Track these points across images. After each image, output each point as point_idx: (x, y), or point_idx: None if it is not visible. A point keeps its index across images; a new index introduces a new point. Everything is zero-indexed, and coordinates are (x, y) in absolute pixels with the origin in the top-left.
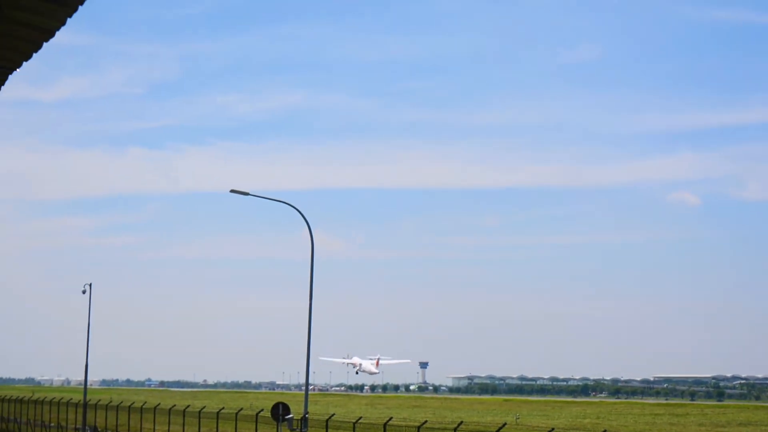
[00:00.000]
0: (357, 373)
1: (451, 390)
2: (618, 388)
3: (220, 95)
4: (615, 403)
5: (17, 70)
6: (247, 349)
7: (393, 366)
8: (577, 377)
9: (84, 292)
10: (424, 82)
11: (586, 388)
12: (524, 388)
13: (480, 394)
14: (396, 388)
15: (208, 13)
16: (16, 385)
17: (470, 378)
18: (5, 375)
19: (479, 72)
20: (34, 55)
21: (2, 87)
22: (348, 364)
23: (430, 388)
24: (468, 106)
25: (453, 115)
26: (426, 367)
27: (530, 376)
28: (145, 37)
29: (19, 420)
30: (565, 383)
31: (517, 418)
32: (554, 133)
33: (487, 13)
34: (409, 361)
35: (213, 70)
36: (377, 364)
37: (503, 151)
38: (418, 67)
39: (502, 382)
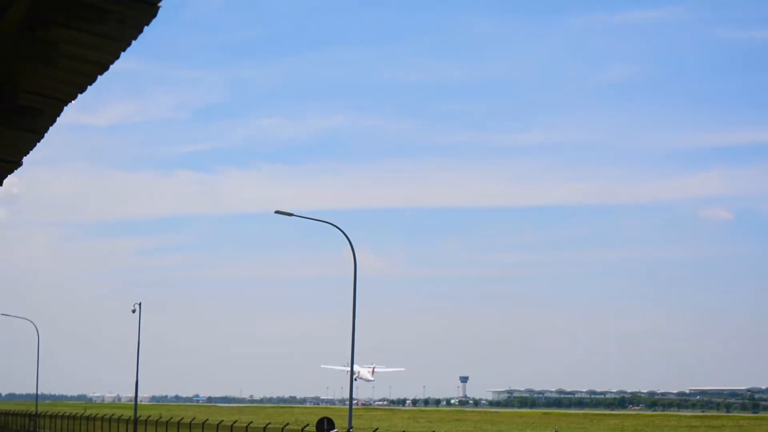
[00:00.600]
0: (356, 380)
1: (491, 403)
2: (654, 401)
3: (264, 118)
4: (652, 416)
5: (72, 102)
6: (292, 365)
7: (389, 374)
8: (615, 390)
9: (134, 311)
10: (463, 104)
11: (623, 401)
12: (563, 401)
13: (519, 407)
14: (437, 402)
15: (252, 39)
16: (69, 402)
17: (510, 392)
18: (58, 392)
19: (517, 93)
20: (89, 87)
21: (58, 118)
22: (348, 372)
23: (471, 401)
24: (506, 127)
25: (491, 136)
26: (466, 382)
27: (568, 389)
28: (191, 62)
29: None
30: (602, 396)
31: (556, 431)
32: (590, 151)
33: (523, 36)
34: (403, 369)
35: (257, 94)
36: (372, 372)
37: (540, 170)
38: (457, 89)
39: (541, 395)
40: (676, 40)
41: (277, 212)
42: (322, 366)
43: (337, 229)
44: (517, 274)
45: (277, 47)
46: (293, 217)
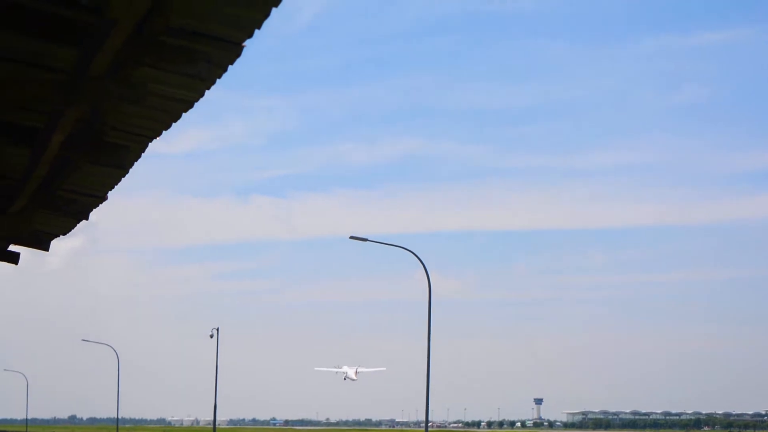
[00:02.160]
0: (345, 379)
1: (566, 425)
2: (730, 422)
3: (338, 144)
4: None
5: (157, 138)
6: (367, 388)
7: (371, 374)
8: (690, 411)
9: (211, 336)
10: (535, 128)
11: (698, 422)
12: (637, 422)
13: (594, 429)
14: (512, 424)
15: (323, 66)
16: (149, 426)
17: (584, 413)
18: (138, 416)
19: (589, 116)
20: (173, 124)
21: (143, 153)
22: (337, 372)
23: (546, 423)
24: (578, 149)
25: (563, 159)
26: (541, 403)
27: (643, 410)
28: (264, 90)
29: None
30: (677, 417)
31: None
32: (664, 172)
33: (595, 59)
34: (384, 368)
35: (330, 120)
36: (356, 373)
37: (613, 191)
38: (528, 112)
39: (615, 416)
40: (747, 61)
41: (351, 238)
42: (316, 369)
43: (410, 253)
44: (588, 296)
45: (349, 73)
46: (367, 242)
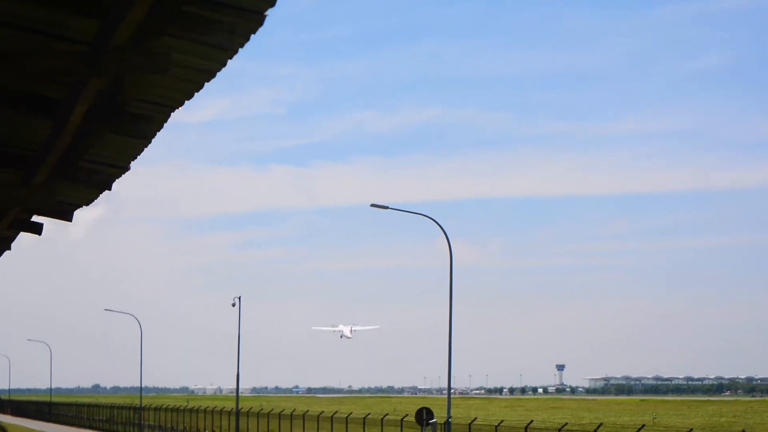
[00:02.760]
0: (341, 337)
1: (588, 391)
2: (753, 387)
3: (358, 113)
4: (750, 402)
5: (180, 108)
6: (389, 355)
7: (365, 332)
8: (712, 376)
9: (233, 305)
10: (555, 95)
11: (720, 387)
12: (659, 388)
13: (616, 394)
14: (534, 390)
15: (345, 35)
16: (172, 394)
17: (606, 379)
18: (161, 385)
19: (609, 83)
20: (196, 94)
21: (165, 123)
22: (334, 331)
23: (567, 389)
24: (598, 117)
25: (583, 126)
26: (563, 369)
27: (665, 376)
28: (286, 59)
29: (175, 428)
30: (700, 382)
31: (654, 418)
32: (684, 138)
33: (615, 27)
34: (378, 326)
35: (351, 89)
36: (351, 331)
37: (634, 158)
38: (548, 80)
39: (637, 382)
40: None
41: (372, 206)
42: (313, 328)
43: (431, 221)
44: (611, 262)
45: (370, 43)
46: (388, 209)
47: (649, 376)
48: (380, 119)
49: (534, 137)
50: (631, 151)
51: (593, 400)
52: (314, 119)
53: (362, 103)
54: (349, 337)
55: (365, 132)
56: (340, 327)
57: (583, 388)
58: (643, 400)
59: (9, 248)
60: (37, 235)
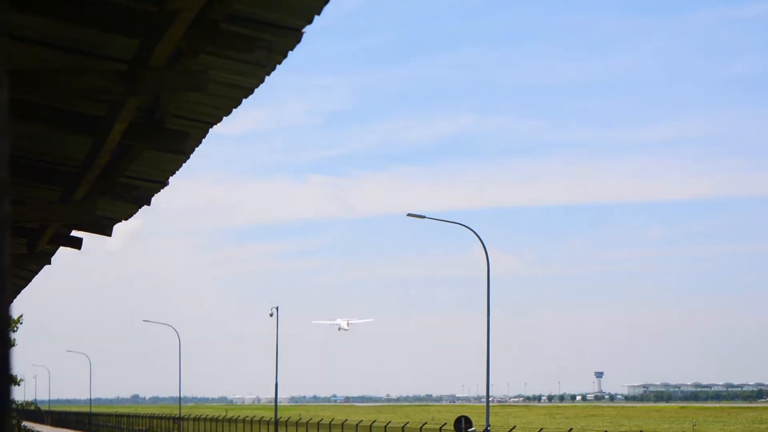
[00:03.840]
0: (339, 329)
1: (627, 398)
2: None
3: (393, 122)
4: None
5: (218, 124)
6: (427, 363)
7: (362, 325)
8: (752, 383)
9: (271, 315)
10: (588, 102)
11: (761, 393)
12: (699, 395)
13: (655, 401)
14: (573, 397)
15: (379, 45)
16: (211, 404)
17: (645, 386)
18: (200, 395)
19: (642, 89)
20: (234, 110)
21: (203, 139)
22: (332, 324)
23: (606, 396)
24: (631, 123)
25: (616, 133)
26: (601, 377)
27: (705, 382)
28: (321, 70)
29: None
30: (739, 389)
31: (694, 425)
32: (716, 144)
33: (647, 33)
34: (373, 319)
35: (385, 98)
36: (347, 324)
37: (666, 164)
38: (581, 87)
39: (677, 389)
40: None
41: (409, 215)
42: (314, 322)
43: (466, 229)
44: (649, 270)
45: (403, 51)
46: (425, 219)
47: (689, 383)
48: (415, 128)
49: (568, 144)
50: (664, 157)
51: (632, 407)
52: (350, 129)
53: (398, 112)
54: (346, 329)
55: (400, 141)
56: (338, 320)
57: (621, 395)
58: (682, 407)
59: (49, 262)
60: (76, 249)
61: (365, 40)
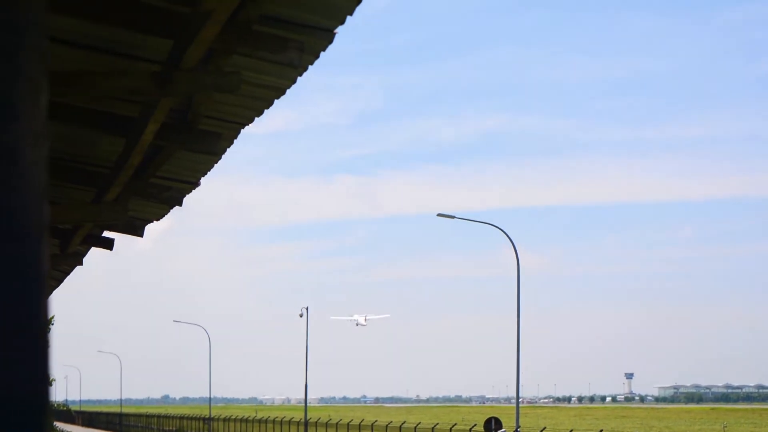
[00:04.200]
0: (357, 325)
1: (657, 399)
2: None
3: (422, 121)
4: None
5: (249, 124)
6: (457, 364)
7: (378, 321)
8: None
9: (301, 315)
10: (621, 101)
11: None
12: (730, 396)
13: (686, 403)
14: (603, 398)
15: (408, 44)
16: (241, 405)
17: (676, 387)
18: (230, 395)
19: (674, 88)
20: (266, 110)
21: (235, 140)
22: (350, 320)
23: (636, 398)
24: (665, 122)
25: (649, 132)
26: (632, 378)
27: (736, 384)
28: (350, 69)
29: None
30: None
31: (724, 427)
32: (752, 143)
33: (681, 31)
34: (388, 315)
35: (415, 97)
36: (365, 319)
37: (700, 163)
38: (613, 86)
39: (707, 390)
40: None
41: (439, 215)
42: (332, 318)
43: (495, 229)
44: (679, 270)
45: (433, 50)
46: (455, 219)
47: (720, 384)
48: (445, 127)
49: (599, 144)
50: (696, 156)
51: (662, 408)
52: (379, 128)
53: (427, 111)
54: (363, 325)
55: (430, 140)
56: (355, 316)
57: (652, 396)
58: (713, 409)
59: (81, 263)
60: (108, 250)
61: (394, 39)
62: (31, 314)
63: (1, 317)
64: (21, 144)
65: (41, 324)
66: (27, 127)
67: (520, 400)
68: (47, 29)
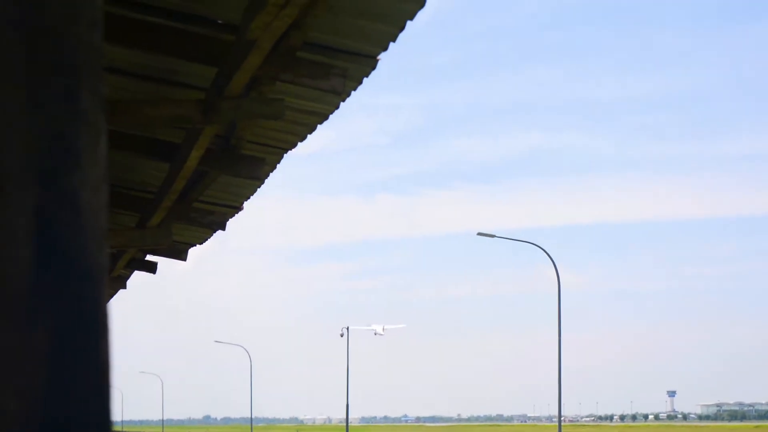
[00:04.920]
0: (375, 334)
1: (700, 417)
2: None
3: (461, 140)
4: None
5: (292, 149)
6: (498, 383)
7: (396, 331)
8: None
9: (342, 335)
10: (656, 117)
11: None
12: None
13: (729, 421)
14: (645, 416)
15: (446, 63)
16: (282, 425)
17: (719, 405)
18: (271, 415)
19: (712, 103)
20: (308, 135)
21: (278, 165)
22: (368, 330)
23: (679, 416)
24: (701, 138)
25: (685, 148)
26: (674, 396)
27: None
28: (389, 89)
29: None
30: None
31: None
32: None
33: (715, 46)
34: (404, 325)
35: (453, 115)
36: (383, 329)
37: (738, 179)
38: (650, 102)
39: (751, 408)
40: None
41: (479, 234)
42: (351, 327)
43: (534, 247)
44: (721, 286)
45: (470, 69)
46: (495, 238)
47: (763, 402)
48: (483, 146)
49: (636, 161)
50: (736, 172)
51: (706, 426)
52: (418, 147)
53: (465, 129)
54: (381, 335)
55: (469, 159)
56: (374, 326)
57: (695, 414)
58: (757, 427)
59: (125, 287)
60: (151, 274)
61: (432, 58)
62: (93, 356)
63: (65, 359)
64: (82, 190)
65: (104, 364)
66: (88, 173)
67: (562, 418)
68: (104, 72)
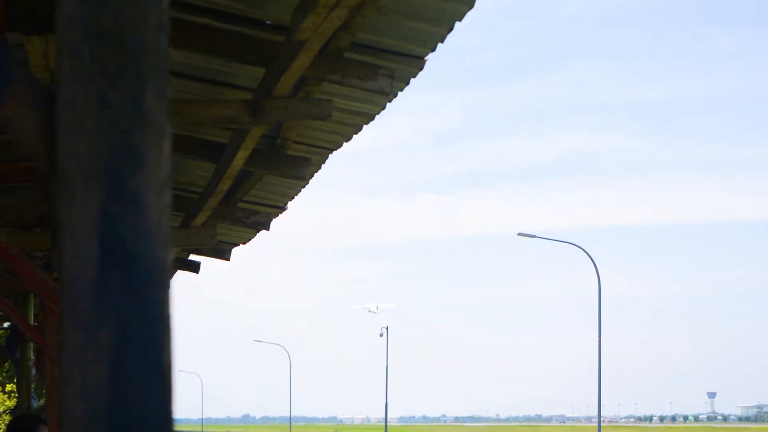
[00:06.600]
0: (369, 312)
1: (740, 419)
2: None
3: (502, 140)
4: None
5: (337, 150)
6: (537, 382)
7: (389, 309)
8: None
9: (381, 335)
10: (704, 119)
11: None
12: None
13: None
14: (685, 418)
15: (488, 63)
16: (320, 424)
17: (760, 406)
18: (310, 414)
19: (758, 105)
20: (354, 136)
21: (323, 165)
22: (366, 308)
23: (719, 417)
24: (748, 140)
25: (733, 150)
26: (714, 397)
27: None
28: (430, 88)
29: None
30: None
31: None
32: None
33: (763, 48)
34: (395, 305)
35: (495, 116)
36: (376, 307)
37: None
38: (697, 103)
39: None
40: None
41: (519, 234)
42: (353, 306)
43: (575, 248)
44: (762, 289)
45: (514, 69)
46: (535, 238)
47: None
48: (525, 146)
49: (681, 162)
50: None
51: (746, 428)
52: (459, 147)
53: (507, 129)
54: (375, 312)
55: (510, 159)
56: (367, 305)
57: (735, 415)
58: None
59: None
60: (195, 273)
61: (474, 58)
62: (157, 356)
63: (129, 359)
64: (146, 190)
65: (167, 366)
66: (152, 174)
67: (601, 419)
68: (170, 75)
